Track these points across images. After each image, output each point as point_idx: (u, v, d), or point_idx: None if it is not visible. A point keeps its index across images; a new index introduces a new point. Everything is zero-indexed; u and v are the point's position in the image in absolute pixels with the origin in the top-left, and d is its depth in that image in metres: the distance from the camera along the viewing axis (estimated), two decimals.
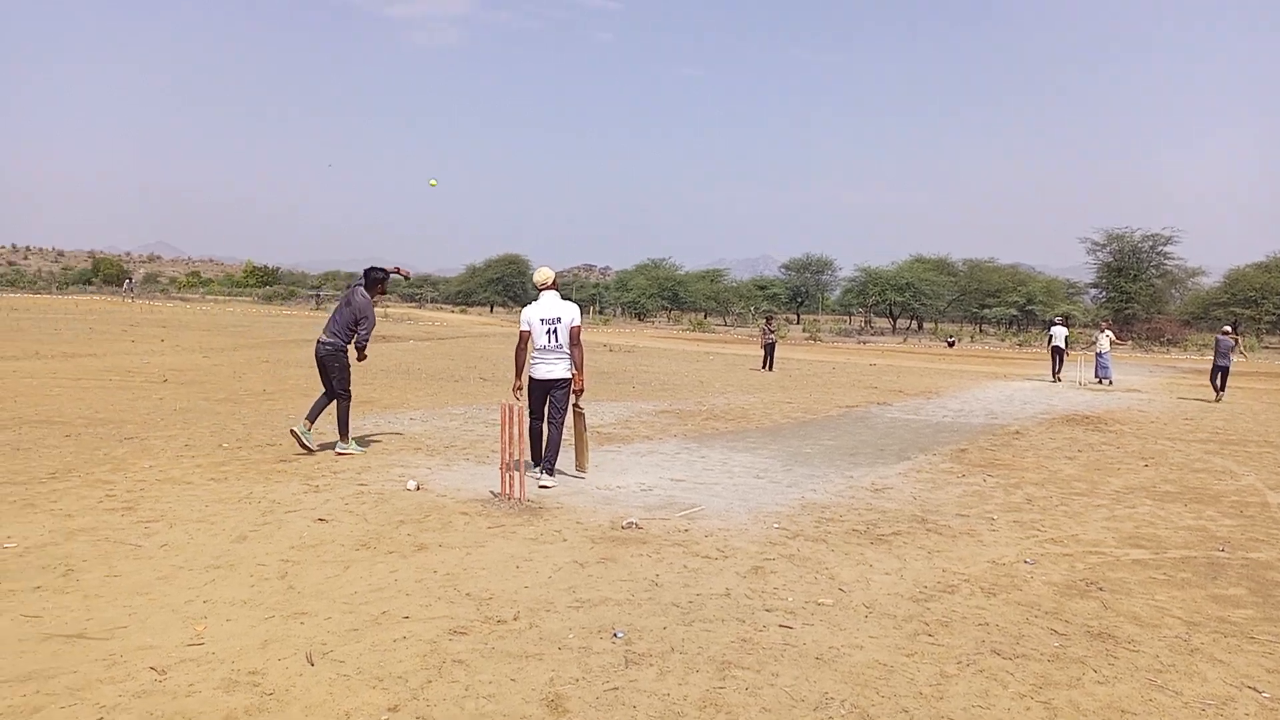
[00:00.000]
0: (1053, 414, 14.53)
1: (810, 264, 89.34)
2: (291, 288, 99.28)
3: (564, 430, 7.44)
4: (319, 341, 8.42)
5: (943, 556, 5.53)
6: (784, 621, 4.26)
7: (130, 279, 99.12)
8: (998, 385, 20.84)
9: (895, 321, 72.13)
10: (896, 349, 43.26)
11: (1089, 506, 7.19)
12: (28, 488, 6.32)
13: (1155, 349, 45.77)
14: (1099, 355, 22.82)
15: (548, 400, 7.39)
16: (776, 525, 6.13)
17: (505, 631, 4.00)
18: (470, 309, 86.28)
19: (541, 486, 7.04)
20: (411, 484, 6.87)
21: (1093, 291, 69.11)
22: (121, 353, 19.39)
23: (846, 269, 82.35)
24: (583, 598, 4.48)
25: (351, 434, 8.43)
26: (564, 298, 7.44)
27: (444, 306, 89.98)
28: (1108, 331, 23.47)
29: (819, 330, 59.40)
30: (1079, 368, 23.67)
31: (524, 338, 7.36)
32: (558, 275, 7.69)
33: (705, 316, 75.19)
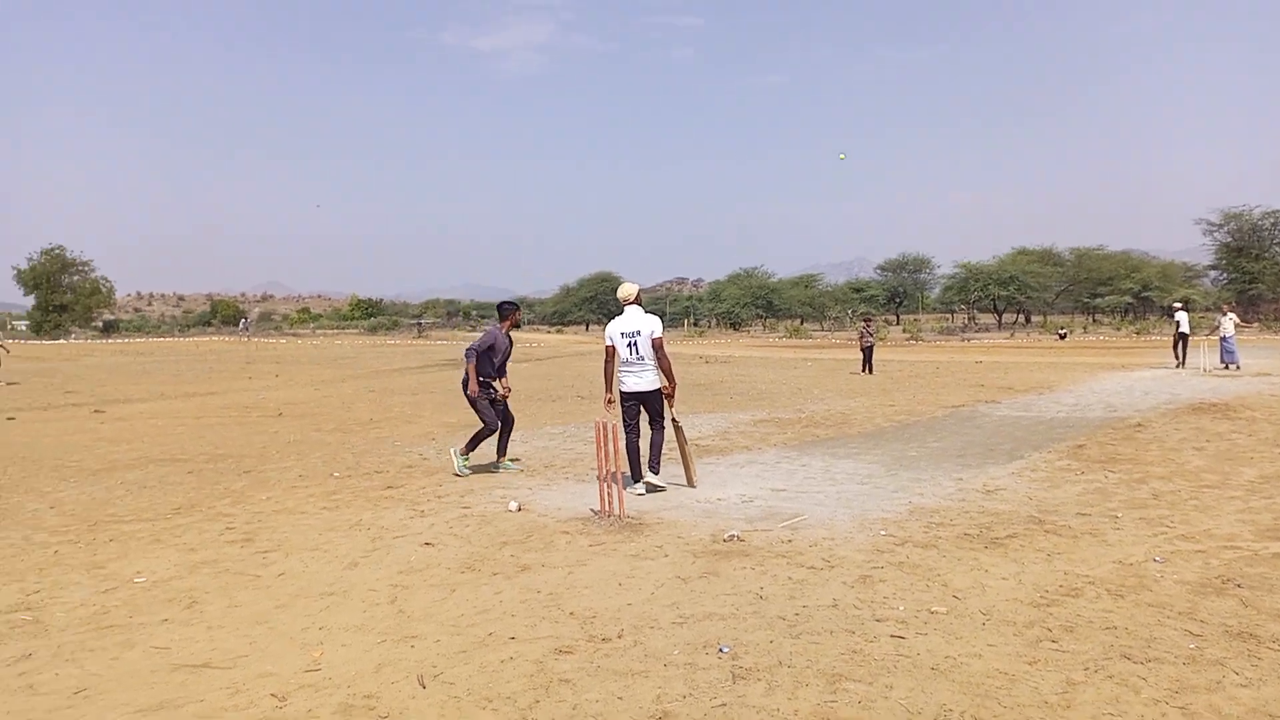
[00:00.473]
0: (1177, 403, 13.78)
1: (907, 263, 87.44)
2: (395, 318, 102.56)
3: (667, 441, 7.67)
4: None
5: (1064, 558, 5.27)
6: (896, 631, 4.12)
7: (246, 319, 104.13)
8: (1115, 376, 19.92)
9: (1000, 317, 69.89)
10: (1003, 345, 41.88)
11: (1221, 499, 6.77)
12: (154, 524, 6.65)
13: None
14: (1224, 339, 21.64)
15: (640, 411, 7.66)
16: (883, 532, 5.96)
17: (610, 649, 3.98)
18: (566, 329, 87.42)
19: (650, 485, 7.40)
20: (513, 505, 6.96)
21: (1212, 274, 65.68)
22: (239, 389, 20.33)
23: (945, 266, 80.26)
24: (686, 613, 4.44)
25: (470, 457, 8.72)
26: (655, 312, 7.71)
27: (540, 327, 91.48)
28: (1231, 314, 22.22)
29: (920, 330, 58.01)
30: (1203, 353, 22.44)
31: (609, 352, 7.62)
32: (649, 290, 7.88)
33: (801, 323, 74.36)
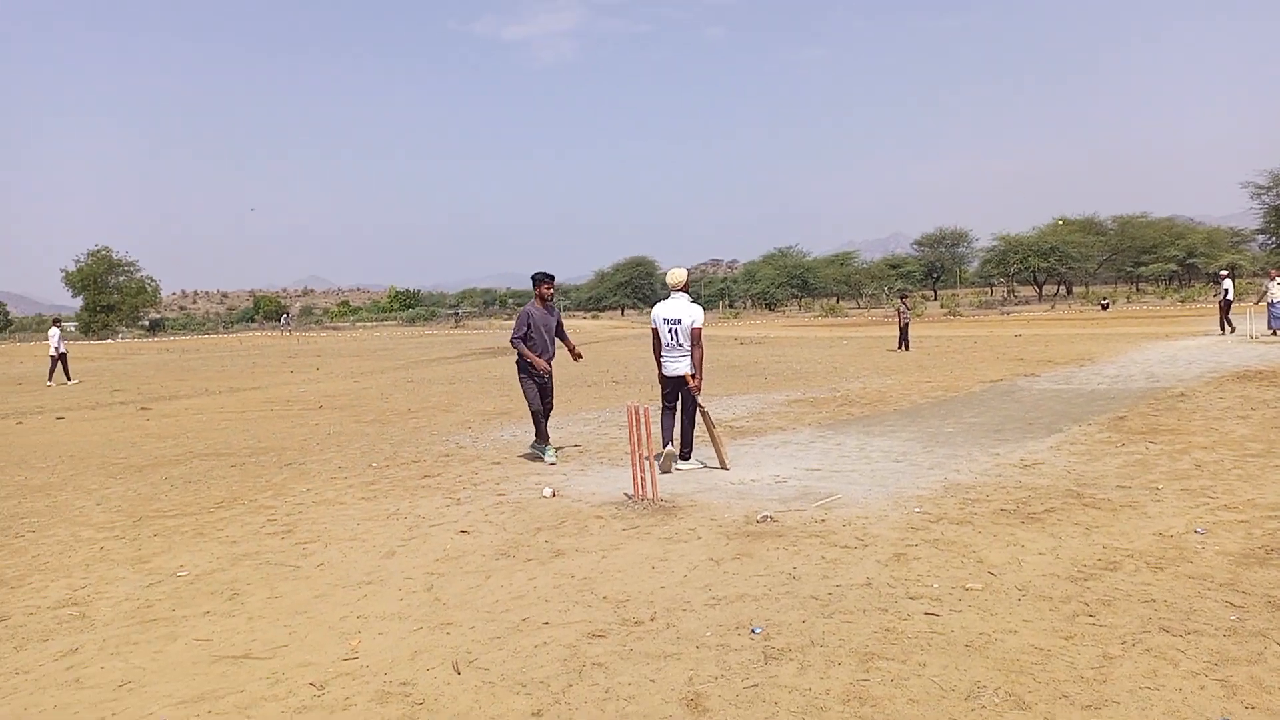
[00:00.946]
0: (1221, 372, 13.49)
1: (944, 237, 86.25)
2: (432, 308, 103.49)
3: (696, 428, 7.85)
4: None
5: (1102, 532, 5.19)
6: (929, 609, 4.09)
7: (287, 313, 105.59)
8: (1159, 346, 19.52)
9: (1041, 289, 68.78)
10: (1044, 317, 41.24)
11: (1266, 468, 6.61)
12: (198, 518, 6.79)
13: None
14: (1271, 305, 21.11)
15: (679, 394, 7.84)
16: (918, 509, 5.91)
17: (643, 632, 4.00)
18: (601, 314, 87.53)
19: (677, 468, 7.63)
20: (548, 491, 7.00)
21: (1260, 238, 64.00)
22: (281, 383, 20.65)
23: (983, 239, 79.07)
24: (719, 595, 4.44)
25: (535, 442, 8.71)
26: (693, 298, 7.85)
27: (576, 314, 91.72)
28: (1278, 279, 21.65)
29: (958, 305, 57.26)
30: (1249, 320, 21.91)
31: (655, 334, 7.80)
32: (686, 273, 7.99)
33: (837, 301, 73.74)
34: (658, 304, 7.87)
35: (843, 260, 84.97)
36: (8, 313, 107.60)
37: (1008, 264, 65.06)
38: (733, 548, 5.24)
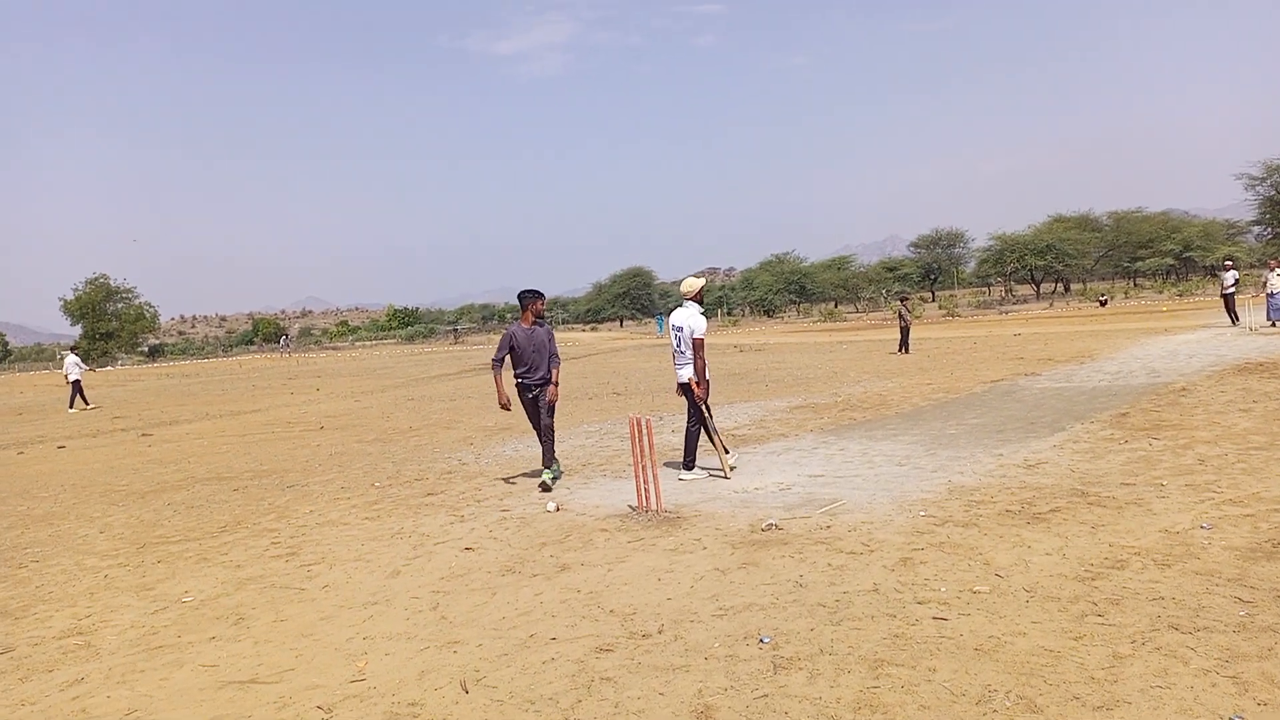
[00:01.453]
0: (1222, 365, 13.48)
1: (940, 239, 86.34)
2: (431, 325, 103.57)
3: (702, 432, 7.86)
4: None
5: (1108, 530, 5.17)
6: (938, 613, 4.07)
7: (286, 335, 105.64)
8: (1159, 341, 19.51)
9: (1039, 287, 68.79)
10: (1042, 315, 41.25)
11: (1270, 461, 6.60)
12: (201, 543, 6.77)
13: None
14: (1270, 296, 21.11)
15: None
16: (923, 513, 5.89)
17: (650, 646, 3.98)
18: (600, 326, 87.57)
19: (679, 479, 7.64)
20: (551, 505, 6.99)
21: (1256, 229, 64.07)
22: (282, 405, 20.63)
23: (980, 239, 79.16)
24: (726, 605, 4.42)
25: (549, 463, 8.05)
26: (703, 308, 7.97)
27: (575, 326, 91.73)
28: (1278, 270, 21.66)
29: (956, 306, 57.27)
30: (1249, 311, 21.90)
31: (701, 345, 7.80)
32: (680, 282, 8.07)
33: (835, 306, 73.78)
34: (673, 312, 8.08)
35: (840, 264, 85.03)
36: (7, 343, 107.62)
37: (1004, 263, 65.10)
38: (738, 557, 5.22)
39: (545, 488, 7.69)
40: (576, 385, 18.80)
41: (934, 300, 74.16)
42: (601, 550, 5.64)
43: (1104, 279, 77.47)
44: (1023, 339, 24.06)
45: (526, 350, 8.02)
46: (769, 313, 77.90)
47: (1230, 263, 24.08)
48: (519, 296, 8.26)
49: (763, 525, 5.84)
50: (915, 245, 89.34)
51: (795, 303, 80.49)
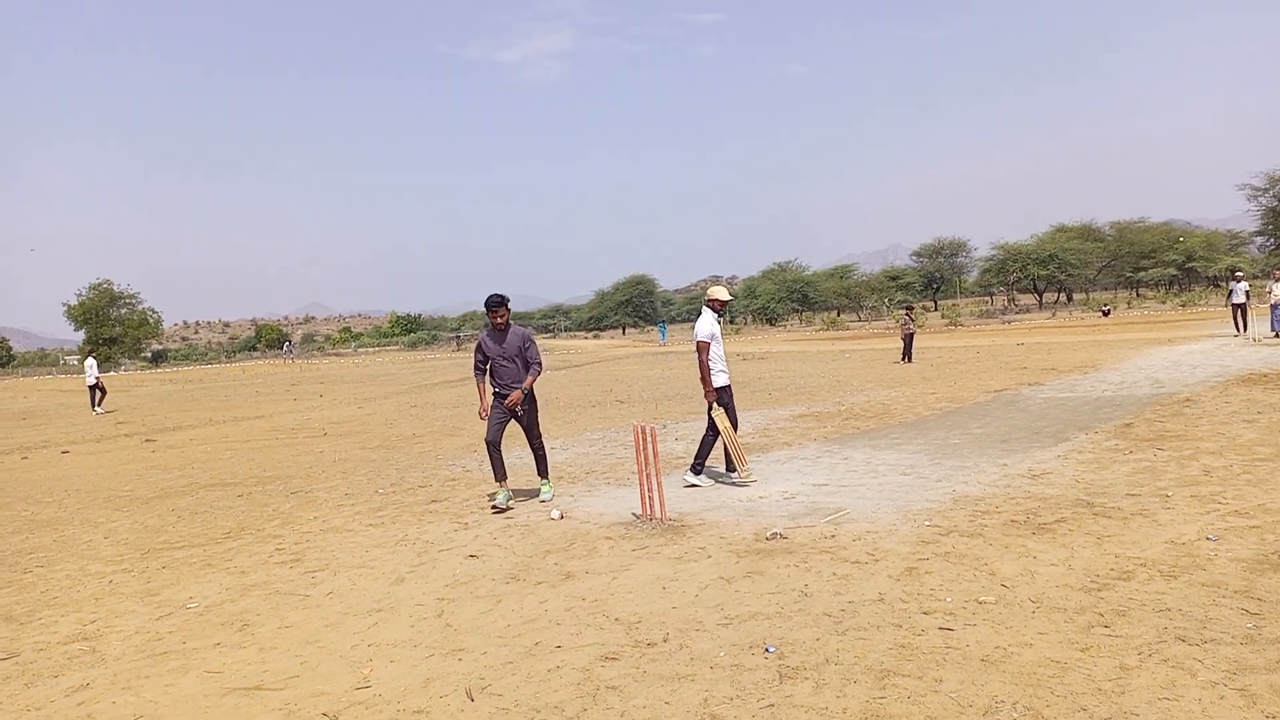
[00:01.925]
0: (1226, 375, 13.46)
1: (943, 248, 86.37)
2: (434, 332, 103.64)
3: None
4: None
5: (1114, 541, 5.17)
6: (944, 624, 4.06)
7: (289, 341, 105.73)
8: (1162, 351, 19.50)
9: (1041, 297, 68.77)
10: (1045, 325, 41.23)
11: (1276, 472, 6.59)
12: (205, 549, 6.77)
13: None
14: (1274, 307, 21.10)
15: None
16: (928, 523, 5.88)
17: (656, 654, 3.98)
18: (602, 333, 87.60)
19: (687, 484, 7.74)
20: (555, 513, 6.98)
21: (1259, 240, 64.09)
22: (285, 411, 20.65)
23: (982, 248, 79.21)
24: (731, 614, 4.42)
25: (548, 475, 7.91)
26: (720, 315, 8.05)
27: (577, 334, 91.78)
28: None
29: (958, 315, 57.26)
30: (1253, 321, 21.88)
31: (702, 348, 7.70)
32: (681, 290, 8.07)
33: (838, 314, 73.78)
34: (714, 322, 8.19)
35: (842, 273, 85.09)
36: (10, 348, 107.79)
37: (1007, 273, 65.15)
38: (743, 566, 5.22)
39: (497, 509, 7.31)
40: (579, 393, 18.81)
41: (936, 309, 74.16)
42: (606, 558, 5.64)
43: (1107, 289, 77.44)
44: (1026, 348, 24.04)
45: (498, 359, 7.52)
46: (771, 321, 77.91)
47: (1240, 274, 24.07)
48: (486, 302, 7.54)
49: (767, 534, 5.84)
50: (917, 254, 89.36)
51: (797, 311, 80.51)
